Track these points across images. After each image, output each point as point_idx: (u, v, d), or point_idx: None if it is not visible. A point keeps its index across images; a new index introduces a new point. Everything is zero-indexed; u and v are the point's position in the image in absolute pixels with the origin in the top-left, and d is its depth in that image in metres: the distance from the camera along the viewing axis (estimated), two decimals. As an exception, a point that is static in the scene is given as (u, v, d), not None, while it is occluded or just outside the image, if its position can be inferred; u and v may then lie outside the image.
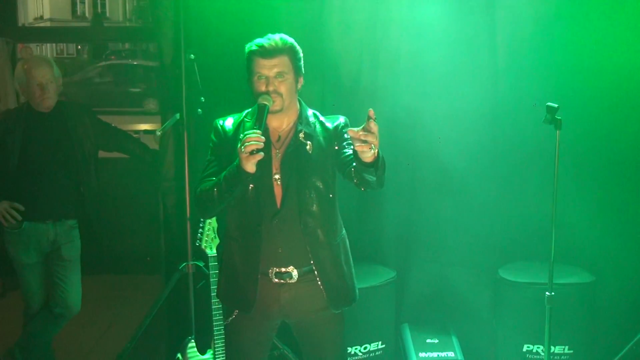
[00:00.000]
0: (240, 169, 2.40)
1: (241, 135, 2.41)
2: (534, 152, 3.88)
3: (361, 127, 2.22)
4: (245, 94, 2.79)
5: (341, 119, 2.73)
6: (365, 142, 2.21)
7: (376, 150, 2.26)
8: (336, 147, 2.65)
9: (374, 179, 2.39)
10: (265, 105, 2.50)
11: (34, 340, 3.80)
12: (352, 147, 2.63)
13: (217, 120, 2.72)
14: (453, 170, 3.97)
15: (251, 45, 2.56)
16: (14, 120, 3.65)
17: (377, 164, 2.30)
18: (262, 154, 2.35)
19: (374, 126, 2.19)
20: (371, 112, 2.19)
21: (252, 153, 2.34)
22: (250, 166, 2.38)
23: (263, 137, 2.37)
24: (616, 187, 3.90)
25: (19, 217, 3.59)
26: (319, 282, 2.65)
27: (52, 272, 3.76)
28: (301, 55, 2.63)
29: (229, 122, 2.69)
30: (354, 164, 2.42)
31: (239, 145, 2.38)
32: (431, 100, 3.90)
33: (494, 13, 3.89)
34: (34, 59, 3.70)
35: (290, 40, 2.60)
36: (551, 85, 3.81)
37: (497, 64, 3.93)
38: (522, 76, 3.90)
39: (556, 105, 3.14)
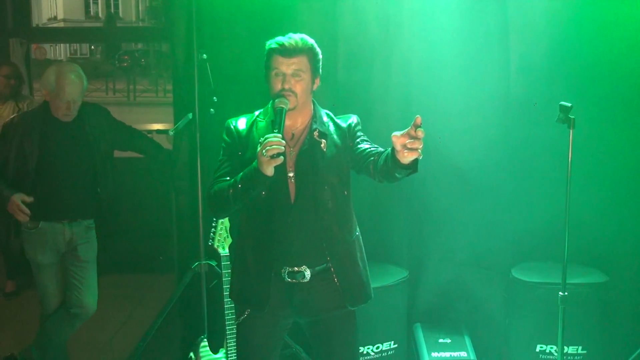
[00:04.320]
0: (258, 172, 2.41)
1: (261, 138, 2.41)
2: (546, 152, 3.87)
3: (404, 131, 2.20)
4: (258, 94, 2.80)
5: (354, 118, 2.74)
6: (411, 148, 2.19)
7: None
8: (350, 144, 2.66)
9: (405, 176, 2.39)
10: (283, 108, 2.51)
11: (50, 340, 3.82)
12: (367, 143, 2.65)
13: (229, 120, 2.73)
14: (466, 170, 3.96)
15: (271, 43, 2.58)
16: (31, 122, 3.65)
17: (415, 165, 2.29)
18: (282, 157, 2.36)
19: (421, 133, 2.17)
20: (418, 119, 2.17)
21: (273, 157, 2.35)
22: (270, 170, 2.39)
23: (284, 141, 2.38)
24: (630, 187, 3.87)
25: (27, 211, 3.54)
26: (336, 279, 2.66)
27: (69, 273, 3.77)
28: (320, 56, 2.64)
29: (241, 122, 2.70)
30: (382, 162, 2.43)
31: (259, 148, 2.39)
32: (444, 99, 3.89)
33: (507, 11, 3.88)
34: (69, 76, 3.59)
35: (311, 41, 2.61)
36: (564, 84, 3.79)
37: (510, 63, 3.92)
38: (535, 75, 3.89)
39: (569, 104, 3.13)
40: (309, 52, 2.59)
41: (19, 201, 3.52)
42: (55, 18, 44.81)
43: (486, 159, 3.93)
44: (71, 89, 3.57)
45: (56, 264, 3.77)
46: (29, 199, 3.56)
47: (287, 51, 2.54)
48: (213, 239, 3.41)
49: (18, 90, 5.45)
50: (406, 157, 2.22)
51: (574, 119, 3.14)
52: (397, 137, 2.22)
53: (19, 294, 5.46)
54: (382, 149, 2.55)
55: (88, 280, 3.79)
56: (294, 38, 2.57)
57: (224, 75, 3.80)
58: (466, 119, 3.91)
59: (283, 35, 2.60)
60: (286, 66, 2.55)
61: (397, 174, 2.37)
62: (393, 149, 2.27)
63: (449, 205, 4.03)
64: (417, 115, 2.17)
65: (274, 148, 2.35)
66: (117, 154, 3.93)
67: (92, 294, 3.81)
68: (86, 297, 3.77)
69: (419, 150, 2.20)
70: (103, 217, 3.82)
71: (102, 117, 3.83)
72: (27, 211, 3.54)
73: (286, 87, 2.55)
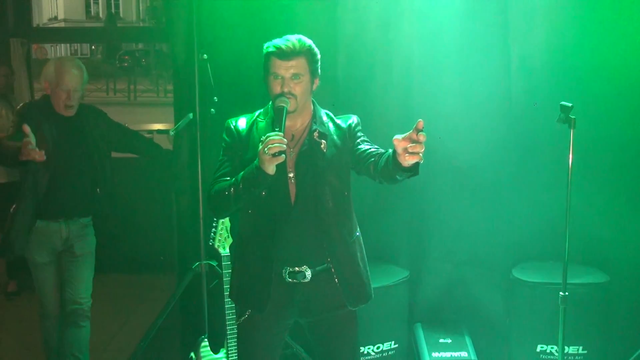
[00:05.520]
0: (260, 171, 2.41)
1: (262, 137, 2.41)
2: (547, 151, 3.87)
3: (406, 135, 2.19)
4: (258, 94, 2.80)
5: (354, 118, 2.73)
6: (412, 152, 2.19)
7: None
8: (351, 145, 2.65)
9: (406, 179, 2.39)
10: (284, 107, 2.50)
11: (72, 350, 3.79)
12: (368, 144, 2.64)
13: (229, 120, 2.72)
14: (466, 170, 3.96)
15: (269, 46, 2.56)
16: (36, 114, 3.60)
17: (416, 168, 2.28)
18: (283, 156, 2.35)
19: (422, 137, 2.17)
20: (420, 123, 2.16)
21: (274, 155, 2.35)
22: (271, 168, 2.39)
23: (285, 139, 2.38)
24: (631, 187, 3.88)
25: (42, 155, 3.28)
26: (336, 280, 2.65)
27: (64, 269, 3.76)
28: (319, 57, 2.62)
29: (241, 122, 2.70)
30: (383, 163, 2.42)
31: (260, 146, 2.38)
32: (444, 99, 3.90)
33: (507, 12, 3.88)
34: (68, 64, 3.64)
35: (309, 42, 2.59)
36: (564, 84, 3.79)
37: (510, 63, 3.92)
38: (535, 75, 3.89)
39: (570, 104, 3.13)
40: (307, 53, 2.57)
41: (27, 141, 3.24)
42: (56, 18, 44.84)
43: (487, 159, 3.93)
44: (70, 78, 3.58)
45: (53, 262, 3.76)
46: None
47: (284, 54, 2.52)
48: (214, 239, 3.41)
49: (9, 89, 5.55)
50: (407, 161, 2.22)
51: (574, 119, 3.14)
52: (399, 141, 2.21)
53: (20, 294, 5.46)
54: (383, 150, 2.54)
55: (82, 277, 3.76)
56: (291, 40, 2.55)
57: (225, 75, 3.79)
58: (466, 119, 3.91)
59: (284, 34, 2.59)
60: (284, 69, 2.53)
61: (397, 176, 2.37)
62: (394, 151, 2.27)
63: (449, 205, 4.03)
64: (420, 119, 2.16)
65: (275, 146, 2.34)
66: (117, 154, 3.93)
67: (86, 290, 3.78)
68: (80, 293, 3.74)
69: (421, 154, 2.19)
70: (101, 216, 3.82)
71: (100, 118, 3.83)
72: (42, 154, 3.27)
73: (285, 90, 2.53)
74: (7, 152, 3.37)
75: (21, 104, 3.78)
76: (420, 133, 2.15)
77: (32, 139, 3.22)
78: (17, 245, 3.66)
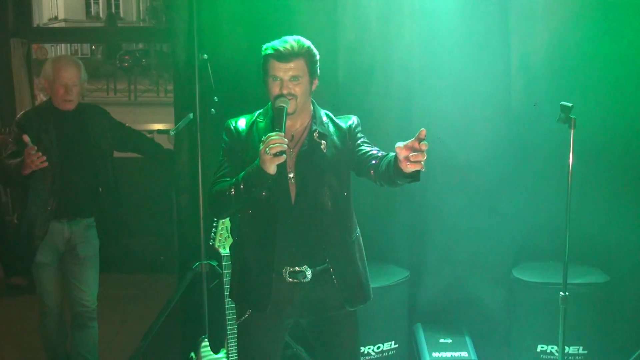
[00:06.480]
0: (260, 170, 2.41)
1: (263, 137, 2.41)
2: (547, 151, 3.87)
3: (408, 142, 2.20)
4: (258, 94, 2.80)
5: (354, 119, 2.73)
6: (414, 161, 2.19)
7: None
8: (351, 146, 2.65)
9: (407, 183, 2.39)
10: (284, 107, 2.50)
11: (80, 350, 3.83)
12: (368, 145, 2.64)
13: (229, 120, 2.72)
14: (467, 170, 3.96)
15: (267, 48, 2.56)
16: (42, 117, 3.64)
17: (417, 174, 2.28)
18: (284, 156, 2.36)
19: (424, 146, 2.17)
20: (423, 132, 2.17)
21: (275, 155, 2.35)
22: (272, 168, 2.39)
23: (286, 139, 2.38)
24: (631, 187, 3.87)
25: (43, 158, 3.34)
26: (335, 280, 2.65)
27: (69, 272, 3.77)
28: (317, 58, 2.61)
29: (241, 123, 2.70)
30: (384, 167, 2.43)
31: (261, 146, 2.38)
32: (444, 99, 3.89)
33: (508, 11, 3.88)
34: (65, 60, 3.69)
35: (307, 43, 2.59)
36: (564, 84, 3.79)
37: (511, 63, 3.92)
38: (535, 75, 3.89)
39: (570, 104, 3.13)
40: (305, 54, 2.56)
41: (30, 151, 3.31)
42: (56, 18, 44.82)
43: (487, 159, 3.93)
44: (66, 72, 3.60)
45: (55, 262, 3.76)
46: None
47: (283, 56, 2.52)
48: (214, 239, 3.41)
49: None
50: (409, 168, 2.23)
51: (574, 119, 3.14)
52: (401, 149, 2.21)
53: (21, 293, 5.45)
54: (383, 153, 2.55)
55: (87, 279, 3.78)
56: (289, 42, 2.54)
57: (225, 75, 3.79)
58: (466, 119, 3.91)
59: (284, 35, 2.59)
60: (283, 72, 2.53)
61: (398, 181, 2.38)
62: (396, 157, 2.27)
63: (449, 205, 4.02)
64: (422, 128, 2.17)
65: (276, 146, 2.35)
66: (118, 153, 3.93)
67: (92, 291, 3.81)
68: (86, 295, 3.77)
69: (422, 163, 2.20)
70: (104, 216, 3.82)
71: (103, 117, 3.84)
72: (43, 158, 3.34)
73: (284, 92, 2.53)
74: (9, 170, 3.47)
75: (21, 113, 3.79)
76: (422, 142, 2.16)
77: (32, 148, 3.30)
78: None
